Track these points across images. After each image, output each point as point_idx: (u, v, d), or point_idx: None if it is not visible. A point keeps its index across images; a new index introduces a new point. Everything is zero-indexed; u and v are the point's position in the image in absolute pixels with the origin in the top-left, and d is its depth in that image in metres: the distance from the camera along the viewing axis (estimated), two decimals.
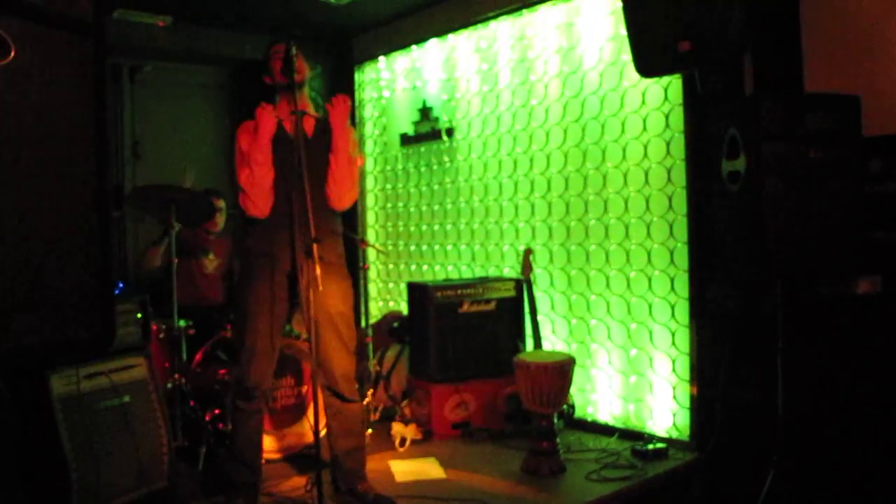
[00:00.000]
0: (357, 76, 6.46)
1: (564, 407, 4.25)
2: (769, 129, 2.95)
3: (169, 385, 4.02)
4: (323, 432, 3.42)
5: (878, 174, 3.29)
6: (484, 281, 4.81)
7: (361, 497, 3.38)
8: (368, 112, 6.40)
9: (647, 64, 3.52)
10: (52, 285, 1.97)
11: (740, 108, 3.17)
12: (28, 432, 3.01)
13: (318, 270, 2.89)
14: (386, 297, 6.29)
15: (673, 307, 4.18)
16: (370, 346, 4.85)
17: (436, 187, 5.73)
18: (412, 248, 5.98)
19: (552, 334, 4.87)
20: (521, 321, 4.76)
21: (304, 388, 4.17)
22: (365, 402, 4.63)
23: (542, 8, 4.85)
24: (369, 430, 4.40)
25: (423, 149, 5.82)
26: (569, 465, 3.89)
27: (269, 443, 3.96)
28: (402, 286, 5.79)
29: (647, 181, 4.29)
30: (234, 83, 6.46)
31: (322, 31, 6.22)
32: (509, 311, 4.76)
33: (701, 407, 4.02)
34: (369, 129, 6.39)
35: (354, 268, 5.16)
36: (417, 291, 4.80)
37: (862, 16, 3.43)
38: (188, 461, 3.84)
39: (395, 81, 6.08)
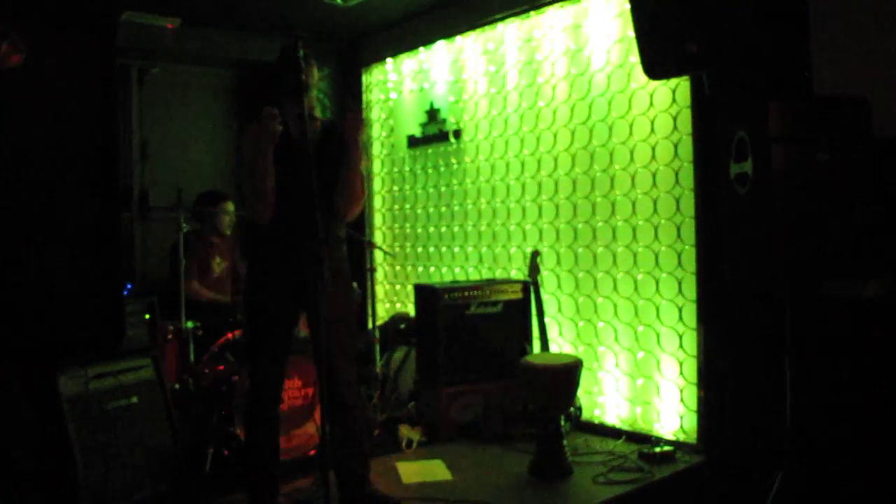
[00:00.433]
0: (364, 78, 6.47)
1: (571, 409, 4.25)
2: (777, 131, 2.94)
3: (176, 386, 4.03)
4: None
5: (888, 176, 3.27)
6: (491, 283, 4.81)
7: (367, 500, 3.37)
8: (375, 114, 6.40)
9: (655, 66, 3.51)
10: (62, 286, 1.98)
11: (748, 110, 3.16)
12: (37, 432, 3.02)
13: (326, 272, 2.88)
14: (393, 299, 6.29)
15: (680, 310, 4.17)
16: (377, 348, 4.85)
17: (443, 189, 5.73)
18: (419, 249, 5.98)
19: (559, 336, 4.86)
20: (528, 323, 4.75)
21: (311, 390, 4.17)
22: (372, 404, 4.64)
23: (549, 10, 4.85)
24: (376, 432, 4.41)
25: (430, 151, 5.83)
26: (576, 467, 3.88)
27: None
28: (410, 288, 5.80)
29: (654, 183, 4.28)
30: (242, 85, 6.48)
31: (330, 33, 6.24)
32: (516, 313, 4.76)
33: (709, 410, 4.01)
34: (376, 131, 6.40)
35: (362, 270, 5.18)
36: (424, 293, 4.80)
37: (871, 17, 3.42)
38: (196, 462, 3.84)
39: (403, 83, 6.08)
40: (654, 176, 4.28)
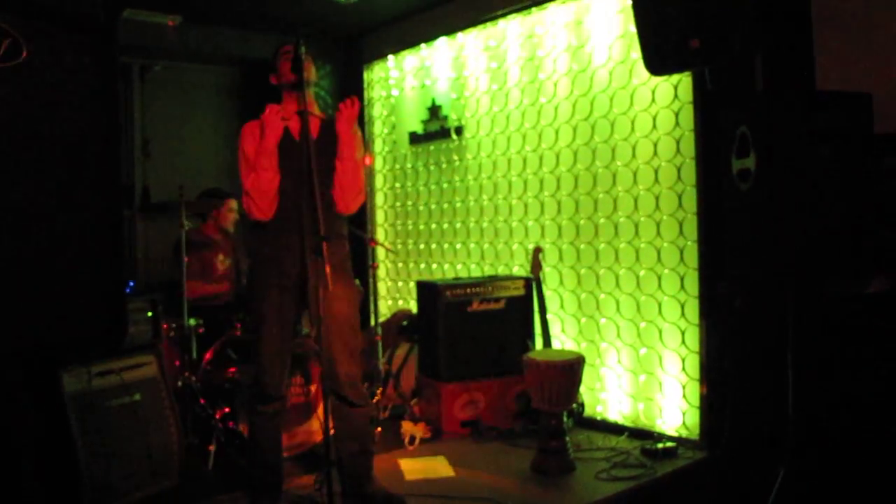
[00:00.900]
0: (366, 75, 6.47)
1: (574, 406, 4.24)
2: (780, 126, 2.94)
3: (179, 383, 4.03)
4: (333, 431, 3.42)
5: (890, 172, 3.27)
6: (493, 279, 4.81)
7: (371, 497, 3.38)
8: (377, 111, 6.40)
9: (657, 62, 3.51)
10: (65, 283, 1.98)
11: (751, 105, 3.15)
12: (40, 430, 3.03)
13: (328, 270, 2.88)
14: (395, 296, 6.29)
15: (683, 306, 4.17)
16: (379, 345, 4.86)
17: (445, 186, 5.73)
18: (421, 246, 5.98)
19: (561, 333, 4.87)
20: (530, 320, 4.75)
21: (313, 387, 4.17)
22: (374, 401, 4.64)
23: (551, 6, 4.84)
24: (378, 429, 4.41)
25: (432, 147, 5.82)
26: (578, 463, 3.89)
27: None
28: (412, 285, 5.80)
29: (656, 179, 4.28)
30: (243, 82, 6.48)
31: (331, 30, 6.24)
32: (519, 309, 4.76)
33: (711, 406, 4.01)
34: (378, 128, 6.40)
35: (364, 267, 5.18)
36: (427, 290, 4.80)
37: (873, 12, 3.41)
38: (198, 459, 3.85)
39: (404, 80, 6.08)
40: (656, 172, 4.28)
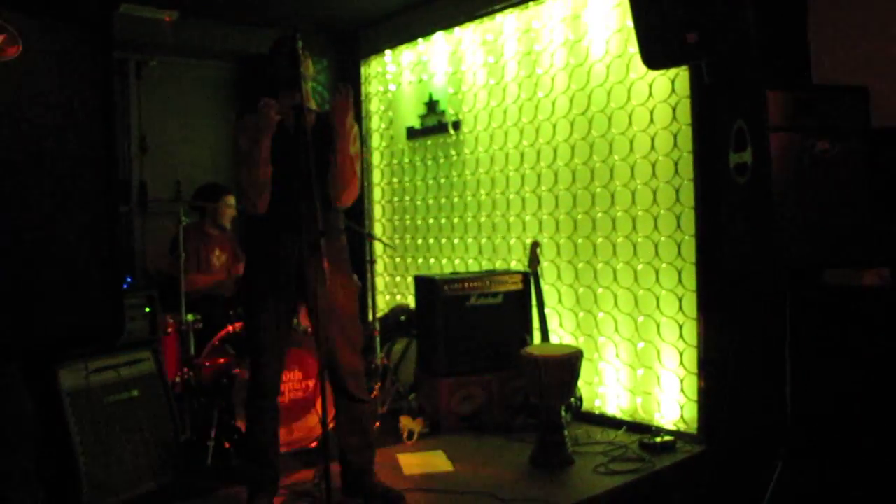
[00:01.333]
0: (363, 70, 6.46)
1: (572, 400, 4.25)
2: (776, 120, 2.94)
3: (177, 379, 4.03)
4: (331, 426, 3.42)
5: (887, 166, 3.27)
6: (491, 274, 4.81)
7: (370, 492, 3.38)
8: (374, 106, 6.40)
9: (654, 56, 3.50)
10: (61, 279, 1.98)
11: (748, 99, 3.16)
12: (38, 426, 3.03)
13: (325, 264, 2.88)
14: (393, 291, 6.29)
15: (680, 300, 4.18)
16: (377, 340, 4.86)
17: (442, 181, 5.72)
18: (419, 241, 5.98)
19: (559, 327, 4.87)
20: (528, 314, 4.75)
21: (312, 382, 4.18)
22: (373, 396, 4.65)
23: (548, 0, 4.83)
24: (377, 424, 4.41)
25: (429, 142, 5.82)
26: (576, 457, 3.89)
27: None
28: (410, 280, 5.80)
29: (654, 174, 4.28)
30: (240, 78, 6.47)
31: (328, 25, 6.23)
32: (516, 304, 4.76)
33: (709, 400, 4.02)
34: (375, 123, 6.39)
35: (362, 262, 5.18)
36: (425, 285, 4.80)
37: (870, 6, 3.41)
38: (196, 455, 3.85)
39: (402, 75, 6.07)
40: (653, 166, 4.28)
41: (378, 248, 6.20)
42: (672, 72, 4.10)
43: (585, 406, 4.54)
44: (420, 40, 5.81)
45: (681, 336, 4.17)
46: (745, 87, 3.72)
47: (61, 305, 1.98)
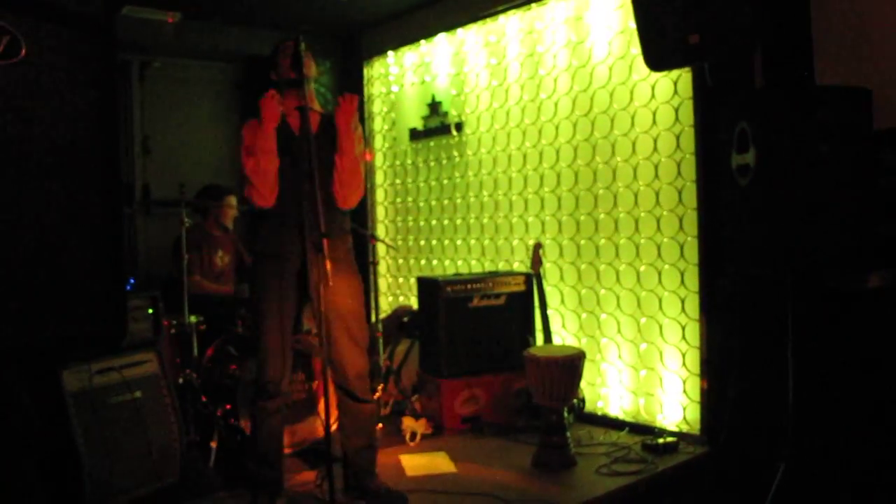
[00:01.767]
0: (366, 71, 6.46)
1: (575, 401, 4.25)
2: (779, 122, 2.93)
3: (180, 380, 4.04)
4: (334, 427, 3.43)
5: (890, 167, 3.27)
6: (494, 275, 4.81)
7: (373, 493, 3.38)
8: (377, 107, 6.40)
9: (657, 57, 3.50)
10: (65, 281, 1.98)
11: (750, 101, 3.15)
12: (41, 428, 3.03)
13: (328, 266, 2.88)
14: (396, 292, 6.30)
15: (683, 301, 4.17)
16: (380, 341, 4.86)
17: (445, 182, 5.73)
18: (422, 242, 5.98)
19: (562, 328, 4.87)
20: (530, 315, 4.76)
21: (315, 384, 4.18)
22: (375, 397, 4.65)
23: (550, 1, 4.84)
24: (380, 425, 4.41)
25: (432, 144, 5.82)
26: (579, 459, 3.89)
27: None
28: (412, 281, 5.80)
29: (656, 175, 4.28)
30: (243, 79, 6.48)
31: (331, 27, 6.23)
32: (519, 305, 4.76)
33: (711, 401, 4.01)
34: (378, 125, 6.40)
35: (364, 263, 5.18)
36: (427, 286, 4.80)
37: (873, 8, 3.41)
38: (199, 456, 3.85)
39: (404, 76, 6.07)
40: (656, 167, 4.28)
41: (381, 249, 6.21)
42: (674, 73, 4.10)
43: (588, 407, 4.55)
44: (423, 42, 5.82)
45: (683, 337, 4.17)
46: (747, 89, 3.72)
47: (65, 308, 1.98)
